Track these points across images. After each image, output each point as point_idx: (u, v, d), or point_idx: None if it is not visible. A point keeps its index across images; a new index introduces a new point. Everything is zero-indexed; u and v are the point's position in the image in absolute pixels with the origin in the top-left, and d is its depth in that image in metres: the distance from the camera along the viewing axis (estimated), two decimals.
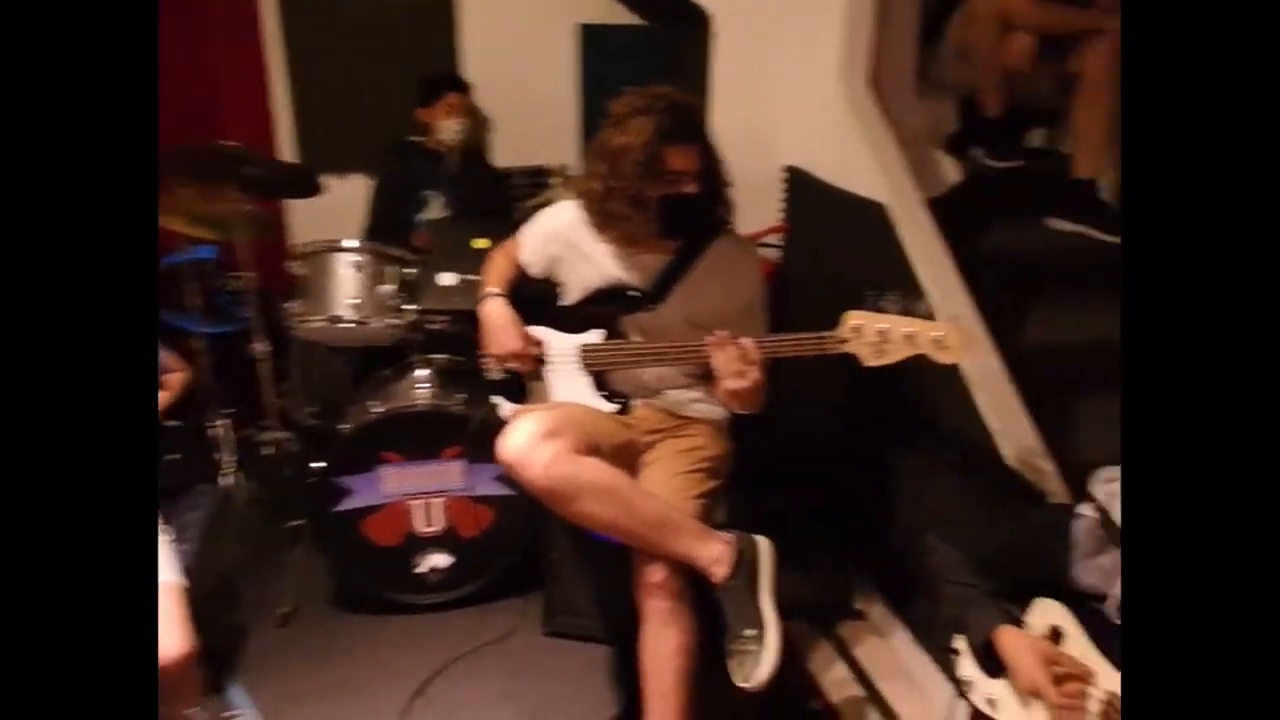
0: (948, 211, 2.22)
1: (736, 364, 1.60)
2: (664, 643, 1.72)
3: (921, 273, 2.04)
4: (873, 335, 1.52)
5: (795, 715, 2.10)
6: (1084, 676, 1.21)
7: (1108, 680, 1.19)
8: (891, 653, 2.24)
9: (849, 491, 2.41)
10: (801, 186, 2.51)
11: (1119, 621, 1.22)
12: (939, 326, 1.47)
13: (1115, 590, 1.22)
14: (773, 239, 2.62)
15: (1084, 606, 1.27)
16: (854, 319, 1.54)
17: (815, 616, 2.36)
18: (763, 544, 1.76)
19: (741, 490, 2.33)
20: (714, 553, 1.68)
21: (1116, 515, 1.22)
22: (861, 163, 2.23)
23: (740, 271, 1.91)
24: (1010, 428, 1.87)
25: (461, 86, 2.84)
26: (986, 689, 1.40)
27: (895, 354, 1.50)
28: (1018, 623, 1.33)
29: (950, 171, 2.49)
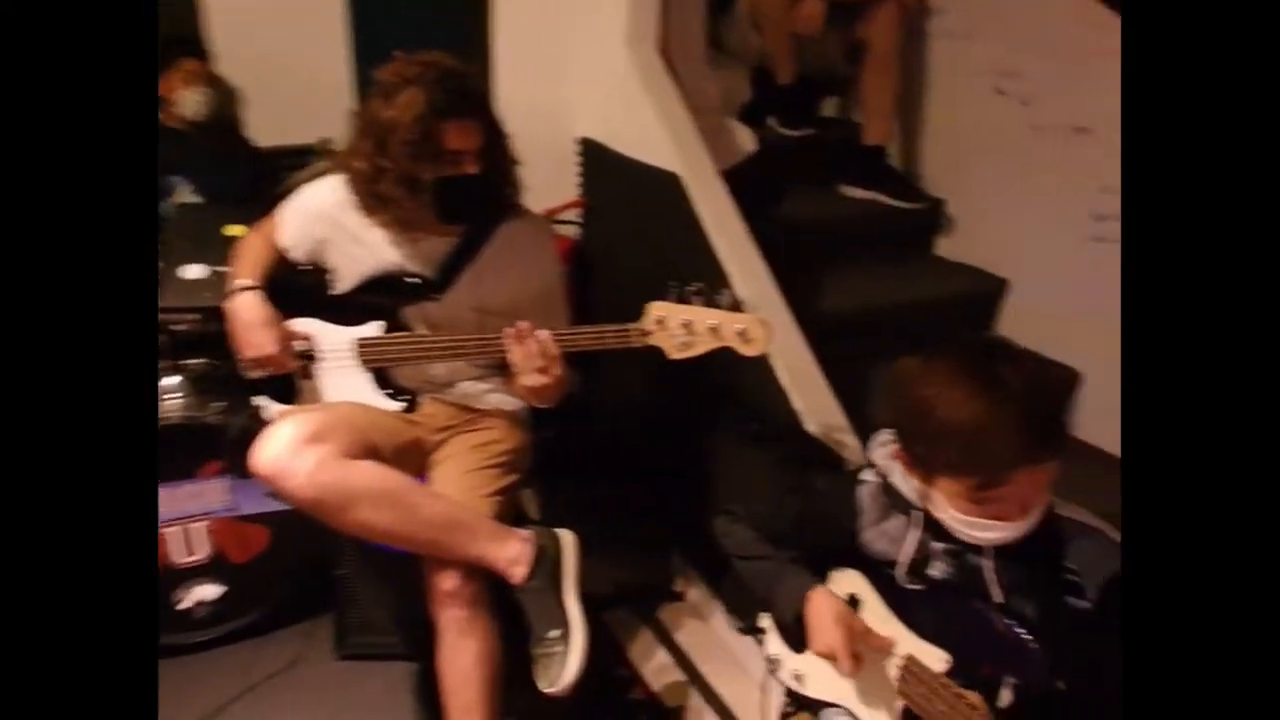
0: (743, 181, 2.19)
1: (537, 359, 1.50)
2: (463, 655, 1.60)
3: (717, 243, 1.99)
4: (677, 328, 1.48)
5: (616, 707, 2.03)
6: (883, 645, 1.17)
7: (905, 645, 1.17)
8: (712, 634, 2.20)
9: (664, 473, 2.34)
10: (596, 158, 2.40)
11: (911, 585, 1.20)
12: (743, 319, 1.47)
13: (904, 556, 1.19)
14: (571, 214, 2.50)
15: (879, 573, 1.24)
16: (657, 310, 1.50)
17: (636, 603, 2.29)
18: (566, 538, 1.66)
19: (555, 480, 2.24)
20: (511, 553, 1.57)
21: (895, 480, 1.18)
22: (654, 133, 2.15)
23: (534, 255, 1.77)
24: (810, 396, 1.85)
25: (198, 51, 2.50)
26: (793, 665, 1.36)
27: (700, 346, 1.48)
28: None
29: (746, 141, 2.46)
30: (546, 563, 1.59)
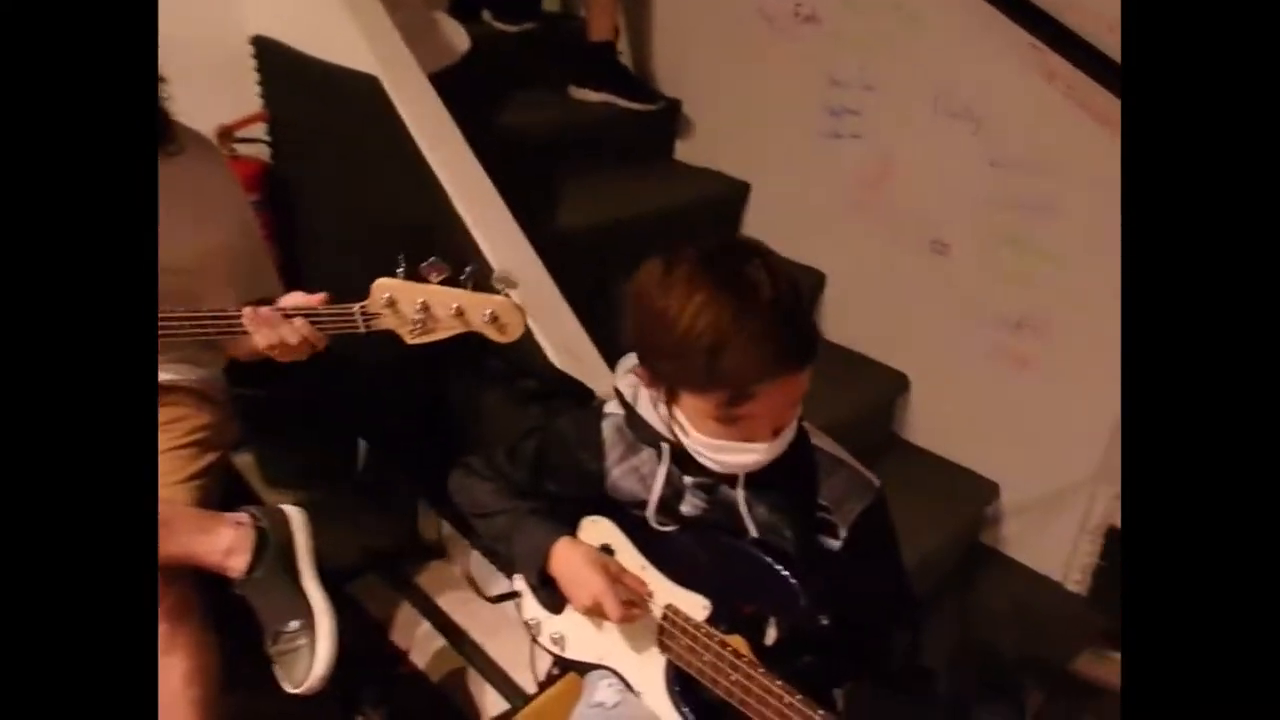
0: (457, 85, 1.90)
1: (292, 339, 1.25)
2: (171, 675, 1.35)
3: (431, 159, 1.70)
4: (412, 310, 1.24)
5: (383, 688, 1.82)
6: (640, 588, 1.07)
7: (663, 594, 1.07)
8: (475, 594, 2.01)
9: (403, 423, 2.09)
10: (276, 61, 1.99)
11: (660, 528, 1.10)
12: (493, 303, 1.23)
13: (654, 494, 1.08)
14: (255, 131, 2.08)
15: (631, 519, 1.12)
16: (386, 289, 1.23)
17: (387, 569, 2.06)
18: (293, 515, 1.43)
19: (277, 446, 1.99)
20: (224, 543, 1.35)
21: (642, 409, 1.06)
22: (342, 27, 1.79)
23: (209, 189, 1.45)
24: (551, 324, 1.66)
25: None
26: (551, 628, 1.23)
27: (441, 332, 1.26)
28: None
29: (458, 38, 2.16)
30: (271, 546, 1.37)
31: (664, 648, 1.08)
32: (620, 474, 1.11)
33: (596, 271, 2.00)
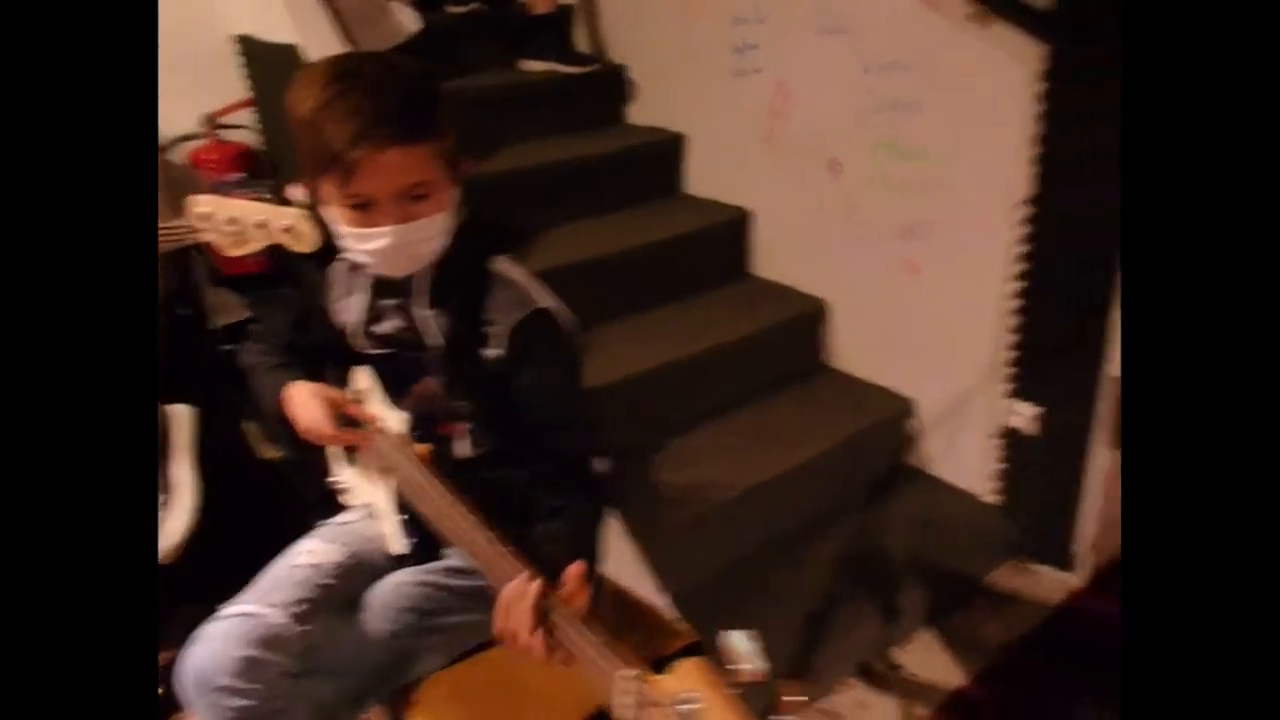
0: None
1: None
2: None
3: None
4: (224, 223, 1.43)
5: None
6: (365, 416, 1.18)
7: (384, 418, 1.18)
8: None
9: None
10: (255, 54, 2.34)
11: (369, 350, 1.18)
12: (288, 214, 1.41)
13: (354, 315, 1.17)
14: (241, 118, 2.43)
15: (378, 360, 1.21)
16: (201, 205, 1.44)
17: None
18: (174, 411, 1.64)
19: None
20: None
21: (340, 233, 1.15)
22: (303, 17, 2.08)
23: None
24: None
25: None
26: (346, 484, 1.31)
27: (254, 244, 1.39)
28: None
29: (408, 20, 2.43)
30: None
31: (386, 471, 1.15)
32: (342, 308, 1.20)
33: (529, 209, 2.20)
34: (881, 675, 1.76)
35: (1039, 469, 1.94)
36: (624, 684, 0.64)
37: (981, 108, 1.80)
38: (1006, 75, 1.72)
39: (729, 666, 0.61)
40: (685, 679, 0.66)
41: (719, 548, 1.95)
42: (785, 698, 0.59)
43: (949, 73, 1.84)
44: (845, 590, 1.90)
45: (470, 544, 0.93)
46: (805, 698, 0.60)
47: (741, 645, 0.62)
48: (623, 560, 1.74)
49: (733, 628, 0.66)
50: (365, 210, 1.02)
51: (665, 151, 2.57)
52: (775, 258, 2.42)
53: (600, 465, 1.09)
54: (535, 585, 0.84)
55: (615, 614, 1.14)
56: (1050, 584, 1.97)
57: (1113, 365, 1.74)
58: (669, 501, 1.96)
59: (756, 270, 2.46)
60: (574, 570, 0.87)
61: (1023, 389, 1.90)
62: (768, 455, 2.04)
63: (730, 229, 2.45)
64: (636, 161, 2.54)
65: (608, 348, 2.11)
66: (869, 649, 1.80)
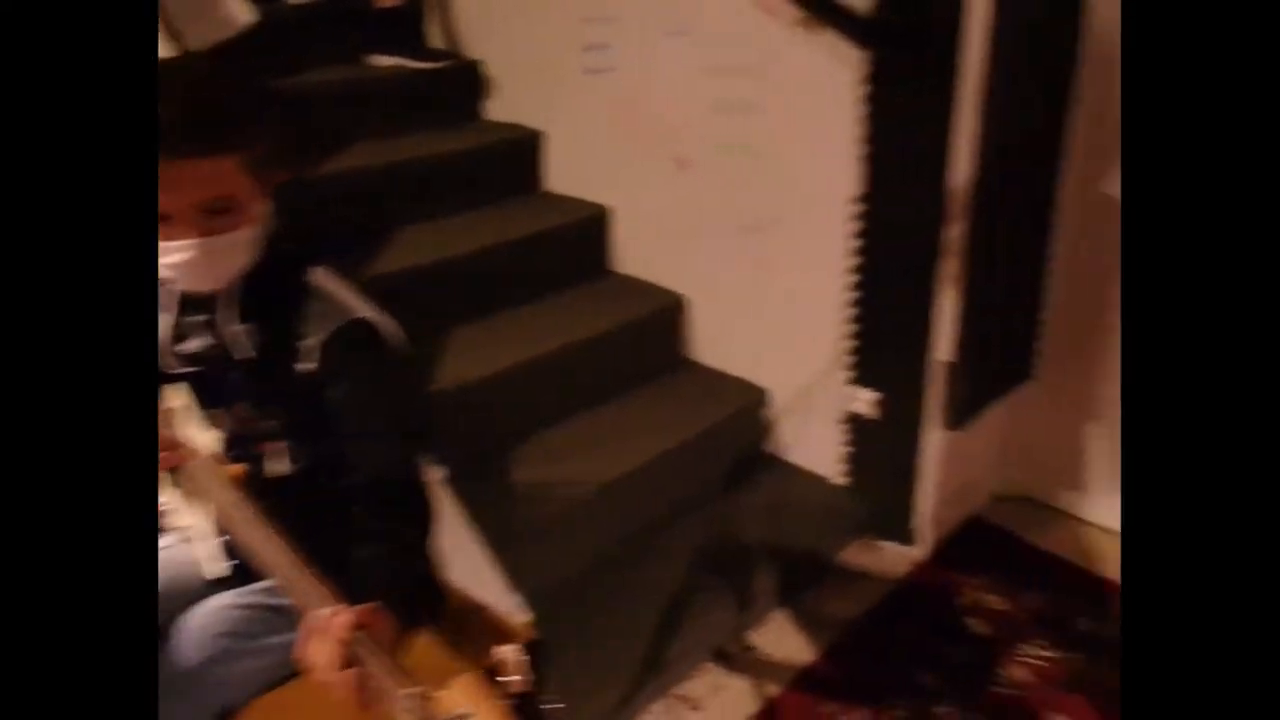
0: (243, 56, 2.07)
1: None
2: None
3: None
4: None
5: None
6: (179, 444, 1.13)
7: (200, 439, 1.14)
8: None
9: None
10: None
11: (178, 370, 1.13)
12: None
13: (163, 334, 1.11)
14: None
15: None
16: None
17: None
18: None
19: None
20: None
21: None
22: None
23: None
24: None
25: None
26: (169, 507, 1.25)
27: None
28: None
29: (240, 11, 2.33)
30: None
31: (200, 494, 1.10)
32: (162, 329, 1.13)
33: (384, 208, 2.16)
34: (735, 657, 1.83)
35: (880, 451, 2.05)
36: (406, 703, 0.65)
37: (815, 109, 1.87)
38: (835, 79, 1.80)
39: (500, 679, 0.63)
40: (463, 694, 0.68)
41: (582, 542, 1.98)
42: (546, 707, 0.62)
43: (784, 76, 1.91)
44: (703, 577, 1.96)
45: (277, 569, 0.92)
46: (563, 705, 0.62)
47: (512, 658, 0.64)
48: (474, 561, 1.74)
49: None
50: (164, 223, 0.97)
51: (523, 149, 2.56)
52: (635, 254, 2.45)
53: (420, 478, 1.07)
54: (339, 620, 0.81)
55: (451, 618, 1.15)
56: (894, 559, 2.09)
57: (939, 350, 1.85)
58: (530, 499, 1.98)
59: (617, 267, 2.50)
60: (374, 605, 0.84)
61: (862, 376, 2.00)
62: (629, 448, 2.08)
63: (590, 226, 2.47)
64: (495, 159, 2.53)
65: (468, 348, 2.10)
66: (725, 633, 1.87)
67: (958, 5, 1.57)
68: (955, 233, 1.74)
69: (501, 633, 1.18)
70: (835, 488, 2.18)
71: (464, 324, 2.18)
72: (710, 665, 1.81)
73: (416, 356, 1.92)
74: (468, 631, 1.17)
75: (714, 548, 2.06)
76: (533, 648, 0.71)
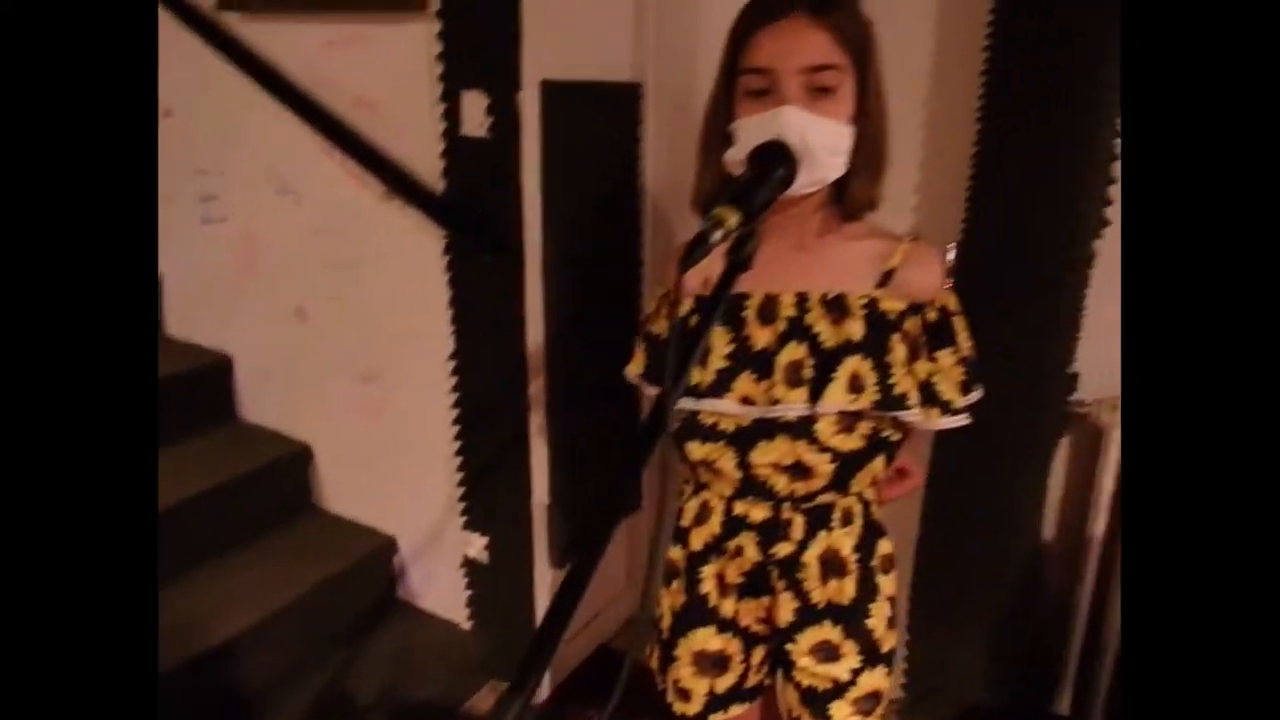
0: None
1: None
2: None
3: None
4: None
5: None
6: None
7: None
8: None
9: None
10: None
11: None
12: None
13: None
14: None
15: None
16: None
17: None
18: None
19: None
20: None
21: None
22: None
23: None
24: None
25: None
26: None
27: None
28: None
29: None
30: None
31: None
32: None
33: None
34: None
35: (497, 593, 2.11)
36: None
37: (410, 272, 1.97)
38: (424, 248, 1.92)
39: None
40: None
41: (209, 693, 1.84)
42: None
43: (382, 240, 2.00)
44: None
45: None
46: None
47: None
48: None
49: None
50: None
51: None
52: (260, 401, 2.39)
53: None
54: None
55: None
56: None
57: (539, 492, 1.97)
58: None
59: (243, 414, 2.42)
60: None
61: (473, 521, 2.07)
62: (255, 598, 1.99)
63: (213, 372, 2.38)
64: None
65: None
66: None
67: (517, 192, 1.74)
68: (537, 388, 1.89)
69: None
70: (463, 632, 2.21)
71: None
72: None
73: None
74: None
75: (339, 700, 1.99)
76: None
